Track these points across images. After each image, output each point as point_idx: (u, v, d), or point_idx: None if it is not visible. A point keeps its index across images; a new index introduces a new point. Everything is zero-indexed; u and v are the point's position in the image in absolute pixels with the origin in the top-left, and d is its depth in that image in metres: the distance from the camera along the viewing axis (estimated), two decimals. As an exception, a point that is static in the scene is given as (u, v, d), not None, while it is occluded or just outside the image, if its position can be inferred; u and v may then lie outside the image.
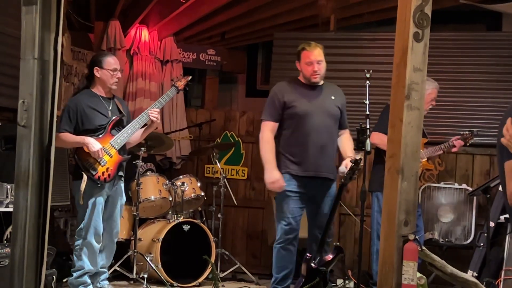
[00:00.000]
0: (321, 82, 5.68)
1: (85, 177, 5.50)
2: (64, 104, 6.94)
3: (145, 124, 5.90)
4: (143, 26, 8.06)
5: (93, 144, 5.54)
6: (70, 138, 5.56)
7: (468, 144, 6.66)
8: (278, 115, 5.59)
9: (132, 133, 5.76)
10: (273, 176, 5.49)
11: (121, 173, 5.80)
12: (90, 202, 5.59)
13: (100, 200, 5.64)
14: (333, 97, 5.68)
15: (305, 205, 5.61)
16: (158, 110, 5.87)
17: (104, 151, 5.61)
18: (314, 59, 5.56)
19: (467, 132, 6.64)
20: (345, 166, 5.40)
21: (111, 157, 5.66)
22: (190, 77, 6.37)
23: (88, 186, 5.53)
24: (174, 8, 7.55)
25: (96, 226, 5.62)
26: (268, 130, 5.61)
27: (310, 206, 5.65)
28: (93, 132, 5.63)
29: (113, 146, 5.67)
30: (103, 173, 5.61)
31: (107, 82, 5.74)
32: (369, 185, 6.29)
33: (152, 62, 8.20)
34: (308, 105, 5.57)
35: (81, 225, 5.62)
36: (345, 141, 5.76)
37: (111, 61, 5.77)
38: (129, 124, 5.78)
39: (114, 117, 5.74)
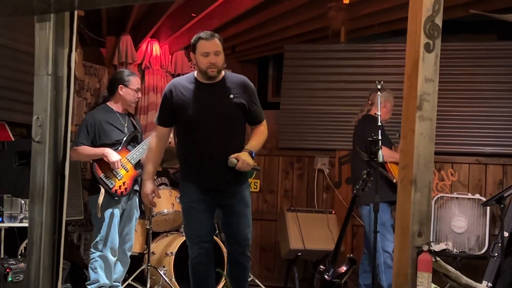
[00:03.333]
0: (220, 77, 4.93)
1: (102, 190, 5.59)
2: (78, 119, 7.00)
3: None
4: (154, 40, 8.10)
5: (111, 154, 5.65)
6: (88, 150, 5.65)
7: None
8: (170, 119, 4.98)
9: (147, 148, 5.83)
10: (146, 188, 5.02)
11: (136, 188, 5.88)
12: (107, 215, 5.65)
13: (117, 214, 5.72)
14: (232, 96, 4.88)
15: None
16: None
17: (121, 165, 5.71)
18: (212, 49, 4.83)
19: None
20: (235, 157, 4.74)
21: (127, 171, 5.77)
22: None
23: (105, 199, 5.61)
24: (185, 22, 7.58)
25: (112, 240, 5.69)
26: (156, 136, 5.06)
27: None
28: (109, 146, 5.72)
29: (129, 161, 5.78)
30: (120, 186, 5.71)
31: (129, 100, 5.89)
32: (362, 198, 6.29)
33: (164, 76, 8.23)
34: (199, 109, 4.89)
35: (97, 238, 5.68)
36: (253, 134, 5.02)
37: (135, 81, 5.91)
38: (144, 140, 5.87)
39: (130, 132, 5.85)
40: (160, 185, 7.22)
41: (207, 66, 4.81)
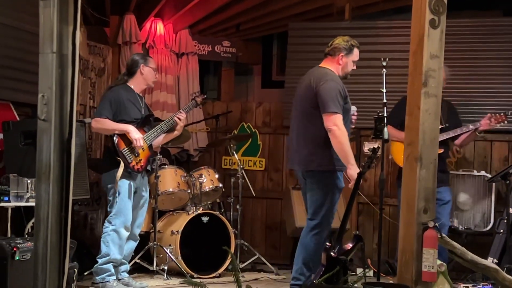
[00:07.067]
0: None
1: (122, 164, 5.78)
2: (83, 99, 7.01)
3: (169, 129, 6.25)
4: (158, 19, 8.07)
5: (134, 131, 5.86)
6: (111, 124, 5.84)
7: (498, 125, 6.62)
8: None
9: (161, 132, 6.13)
10: (356, 170, 5.29)
11: (149, 167, 6.14)
12: (123, 190, 5.83)
13: (132, 189, 5.90)
14: None
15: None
16: (184, 114, 6.28)
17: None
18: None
19: (502, 114, 6.58)
20: None
21: (143, 150, 5.98)
22: (205, 96, 6.96)
23: (122, 174, 5.79)
24: (189, 0, 7.55)
25: (126, 214, 5.86)
26: (342, 124, 5.33)
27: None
28: (128, 123, 5.91)
29: (145, 141, 5.97)
30: (136, 163, 5.91)
31: (149, 79, 6.12)
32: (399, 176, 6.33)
33: (168, 55, 8.21)
34: None
35: (113, 212, 5.85)
36: None
37: (153, 61, 6.23)
38: (158, 125, 6.12)
39: (146, 115, 6.08)
40: (161, 165, 7.23)
41: (351, 71, 5.63)
